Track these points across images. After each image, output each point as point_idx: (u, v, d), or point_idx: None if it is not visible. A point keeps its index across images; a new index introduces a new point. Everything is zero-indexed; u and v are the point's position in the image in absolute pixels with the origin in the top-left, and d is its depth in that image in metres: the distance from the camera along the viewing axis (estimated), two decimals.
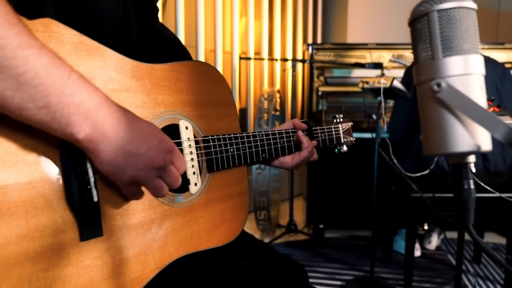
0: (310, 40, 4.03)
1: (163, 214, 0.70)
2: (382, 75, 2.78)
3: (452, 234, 2.78)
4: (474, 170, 0.50)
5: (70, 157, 0.56)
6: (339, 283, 2.20)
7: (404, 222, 2.29)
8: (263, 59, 3.40)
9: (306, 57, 3.10)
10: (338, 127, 1.11)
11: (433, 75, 0.48)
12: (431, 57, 0.48)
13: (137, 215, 0.65)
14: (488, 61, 1.98)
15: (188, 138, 0.76)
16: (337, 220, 2.93)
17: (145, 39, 0.80)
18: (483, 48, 2.81)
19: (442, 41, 0.47)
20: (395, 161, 1.97)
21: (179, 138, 0.75)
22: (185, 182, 0.74)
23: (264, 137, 0.92)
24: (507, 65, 2.64)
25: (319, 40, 4.12)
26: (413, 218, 1.99)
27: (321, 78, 3.05)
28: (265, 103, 2.93)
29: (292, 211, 2.86)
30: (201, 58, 2.82)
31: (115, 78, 0.65)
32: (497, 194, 1.75)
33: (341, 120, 1.14)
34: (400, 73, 2.74)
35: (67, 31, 0.58)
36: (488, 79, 1.85)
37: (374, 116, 2.08)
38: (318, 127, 1.05)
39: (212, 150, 0.81)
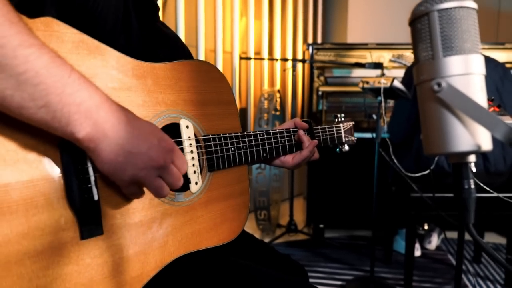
0: (310, 40, 4.03)
1: (164, 213, 0.70)
2: (382, 75, 2.79)
3: (452, 234, 2.78)
4: (474, 170, 0.50)
5: (71, 156, 0.56)
6: (339, 283, 2.20)
7: (404, 222, 2.29)
8: (263, 59, 3.41)
9: (306, 57, 3.10)
10: (340, 127, 1.11)
11: (433, 74, 0.48)
12: (432, 57, 0.48)
13: (137, 213, 0.65)
14: (489, 61, 1.98)
15: (189, 137, 0.76)
16: (337, 220, 2.93)
17: (146, 38, 0.80)
18: (483, 48, 2.81)
19: (442, 41, 0.47)
20: (395, 161, 1.97)
21: (180, 137, 0.75)
22: (186, 181, 0.74)
23: (265, 136, 0.92)
24: (508, 65, 2.64)
25: (319, 40, 4.12)
26: (413, 218, 1.99)
27: (321, 78, 3.05)
28: (265, 103, 2.93)
29: (292, 211, 2.86)
30: (201, 57, 2.82)
31: (115, 77, 0.65)
32: (495, 194, 1.75)
33: (343, 119, 1.14)
34: (401, 73, 2.74)
35: (68, 30, 0.58)
36: (489, 79, 1.85)
37: (374, 116, 2.08)
38: (319, 126, 1.05)
39: (213, 149, 0.81)
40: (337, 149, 1.13)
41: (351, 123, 1.15)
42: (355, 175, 2.82)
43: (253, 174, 2.87)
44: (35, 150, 0.53)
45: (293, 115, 2.78)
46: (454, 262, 2.42)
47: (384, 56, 3.01)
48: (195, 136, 0.78)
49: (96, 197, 0.58)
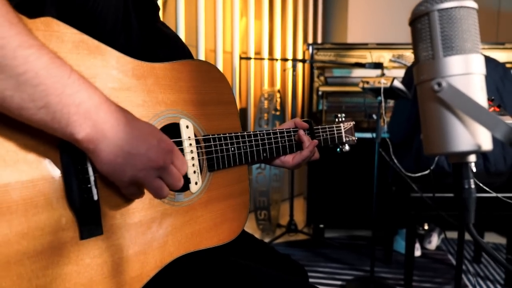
0: (310, 40, 4.03)
1: (164, 213, 0.70)
2: (383, 75, 2.78)
3: (452, 234, 2.78)
4: (474, 169, 0.50)
5: (70, 156, 0.56)
6: (339, 283, 2.20)
7: (404, 222, 2.29)
8: (263, 59, 3.40)
9: (307, 57, 3.10)
10: (340, 127, 1.10)
11: (433, 74, 0.48)
12: (432, 57, 0.48)
13: (137, 213, 0.65)
14: (489, 61, 1.98)
15: (189, 137, 0.76)
16: (337, 220, 2.93)
17: (146, 38, 0.80)
18: (484, 48, 2.81)
19: (442, 41, 0.47)
20: (395, 161, 1.97)
21: (180, 137, 0.75)
22: (186, 181, 0.74)
23: (265, 136, 0.92)
24: (508, 65, 2.64)
25: (319, 40, 4.12)
26: (413, 218, 1.99)
27: (321, 78, 3.05)
28: (265, 103, 2.93)
29: (292, 211, 2.86)
30: (202, 57, 2.82)
31: (115, 77, 0.65)
32: (494, 194, 1.75)
33: (343, 119, 1.13)
34: (401, 73, 2.74)
35: (68, 30, 0.58)
36: (489, 79, 1.85)
37: (374, 116, 2.08)
38: (319, 126, 1.05)
39: (213, 149, 0.81)
40: (338, 149, 1.13)
41: (352, 123, 1.15)
42: (355, 175, 2.82)
43: (253, 174, 2.86)
44: (35, 150, 0.53)
45: (293, 115, 2.78)
46: (454, 262, 2.42)
47: (384, 56, 3.01)
48: (195, 136, 0.78)
49: (95, 197, 0.58)
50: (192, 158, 0.77)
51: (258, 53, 3.45)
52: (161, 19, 0.93)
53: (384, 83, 1.84)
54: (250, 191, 0.91)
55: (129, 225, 0.64)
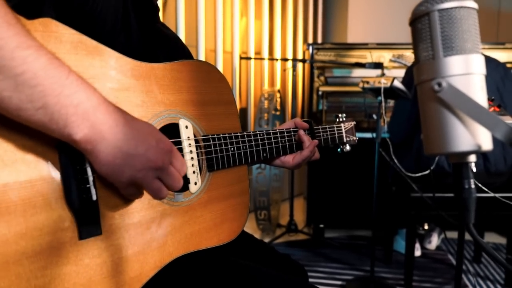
0: (310, 40, 4.03)
1: (163, 213, 0.70)
2: (383, 75, 2.78)
3: (452, 234, 2.77)
4: (474, 169, 0.50)
5: (69, 156, 0.56)
6: (339, 282, 2.20)
7: (404, 222, 2.29)
8: (263, 59, 3.40)
9: (307, 57, 3.09)
10: (340, 126, 1.10)
11: (433, 74, 0.48)
12: (432, 57, 0.48)
13: (136, 214, 0.65)
14: (490, 61, 1.98)
15: (188, 137, 0.76)
16: (337, 220, 2.93)
17: (146, 39, 0.80)
18: (484, 48, 2.81)
19: (443, 41, 0.47)
20: (395, 161, 1.97)
21: (179, 137, 0.75)
22: (185, 181, 0.74)
23: (265, 136, 0.92)
24: (508, 65, 2.64)
25: (319, 40, 4.12)
26: (413, 218, 1.99)
27: (322, 78, 3.05)
28: (266, 102, 2.93)
29: (292, 210, 2.86)
30: (202, 58, 2.82)
31: (114, 77, 0.64)
32: (492, 194, 1.74)
33: (344, 119, 1.13)
34: (401, 73, 2.74)
35: (67, 30, 0.58)
36: (490, 79, 1.85)
37: (374, 116, 2.08)
38: (320, 126, 1.05)
39: (212, 149, 0.81)
40: (338, 149, 1.13)
41: (353, 123, 1.15)
42: (355, 175, 2.82)
43: (253, 174, 2.86)
44: (33, 150, 0.53)
45: (293, 115, 2.78)
46: (454, 262, 2.42)
47: (384, 56, 3.01)
48: (195, 136, 0.78)
49: (94, 197, 0.58)
50: (192, 158, 0.77)
51: (258, 53, 3.45)
52: (161, 19, 0.93)
53: (384, 83, 1.84)
54: (250, 191, 0.91)
55: (128, 225, 0.64)
